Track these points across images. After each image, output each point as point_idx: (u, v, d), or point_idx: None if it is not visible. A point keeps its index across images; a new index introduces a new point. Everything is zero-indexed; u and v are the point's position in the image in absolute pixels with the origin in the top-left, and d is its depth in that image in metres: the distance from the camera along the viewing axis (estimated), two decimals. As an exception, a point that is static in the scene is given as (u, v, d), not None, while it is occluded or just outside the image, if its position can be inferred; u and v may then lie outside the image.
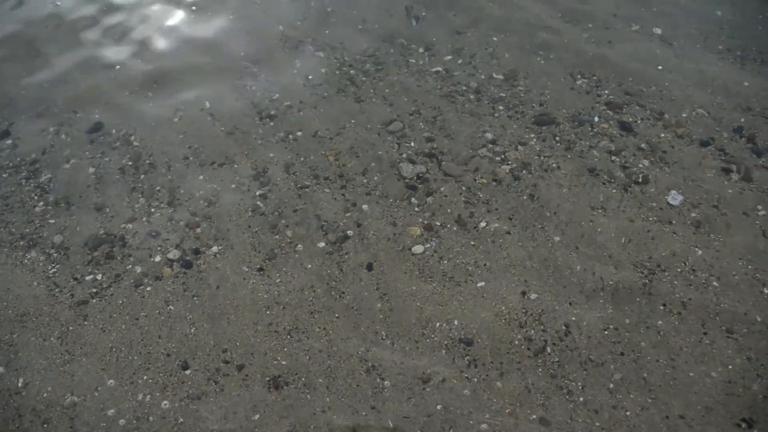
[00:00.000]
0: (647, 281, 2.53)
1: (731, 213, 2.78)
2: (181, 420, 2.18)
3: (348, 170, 3.07)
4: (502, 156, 3.09)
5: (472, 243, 2.71)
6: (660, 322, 2.39)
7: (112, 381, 2.29)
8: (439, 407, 2.18)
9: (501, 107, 3.39)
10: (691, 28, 3.95)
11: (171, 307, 2.53)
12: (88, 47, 3.96)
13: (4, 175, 3.12)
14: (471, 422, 2.13)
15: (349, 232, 2.78)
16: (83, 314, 2.51)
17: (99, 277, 2.64)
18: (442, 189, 2.95)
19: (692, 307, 2.43)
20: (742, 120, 3.23)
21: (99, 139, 3.30)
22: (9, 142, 3.30)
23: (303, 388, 2.25)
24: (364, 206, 2.88)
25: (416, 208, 2.87)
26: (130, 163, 3.16)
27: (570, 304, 2.47)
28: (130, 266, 2.68)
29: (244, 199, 2.95)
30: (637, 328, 2.38)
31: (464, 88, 3.54)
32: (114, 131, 3.35)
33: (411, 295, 2.53)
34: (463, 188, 2.95)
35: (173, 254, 2.71)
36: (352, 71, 3.70)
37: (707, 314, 2.41)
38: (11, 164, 3.17)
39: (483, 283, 2.56)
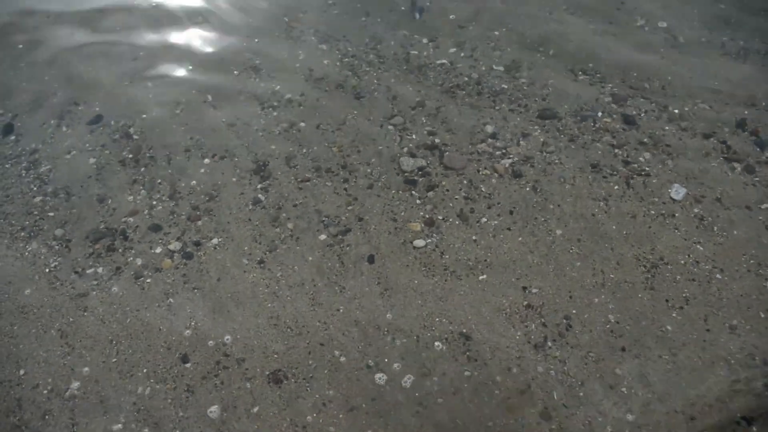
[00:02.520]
0: (649, 275, 2.52)
1: (734, 207, 2.76)
2: (182, 414, 2.18)
3: (351, 161, 3.05)
4: (504, 150, 3.08)
5: (474, 238, 2.70)
6: (662, 318, 2.38)
7: (112, 373, 2.29)
8: (440, 401, 2.18)
9: (503, 100, 3.37)
10: (695, 21, 3.92)
11: (171, 299, 2.52)
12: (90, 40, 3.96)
13: (7, 166, 3.12)
14: (471, 416, 2.13)
15: (350, 225, 2.77)
16: (83, 306, 2.51)
17: (100, 270, 2.64)
18: (443, 183, 2.94)
19: (695, 303, 2.42)
20: (746, 113, 3.20)
21: (99, 130, 3.29)
22: (12, 137, 3.29)
23: (303, 382, 2.25)
24: (366, 200, 2.87)
25: (417, 201, 2.86)
26: (130, 155, 3.15)
27: (571, 298, 2.46)
28: (131, 258, 2.68)
29: (245, 192, 2.94)
30: (639, 322, 2.37)
31: (466, 79, 3.52)
32: (113, 122, 3.34)
33: (412, 289, 2.52)
34: (465, 182, 2.93)
35: (174, 246, 2.71)
36: (355, 62, 3.68)
37: (710, 310, 2.40)
38: (12, 154, 3.17)
39: (484, 277, 2.55)
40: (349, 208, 2.85)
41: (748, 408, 2.11)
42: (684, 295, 2.45)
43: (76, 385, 2.26)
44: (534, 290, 2.50)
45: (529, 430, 2.10)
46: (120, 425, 2.15)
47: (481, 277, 2.55)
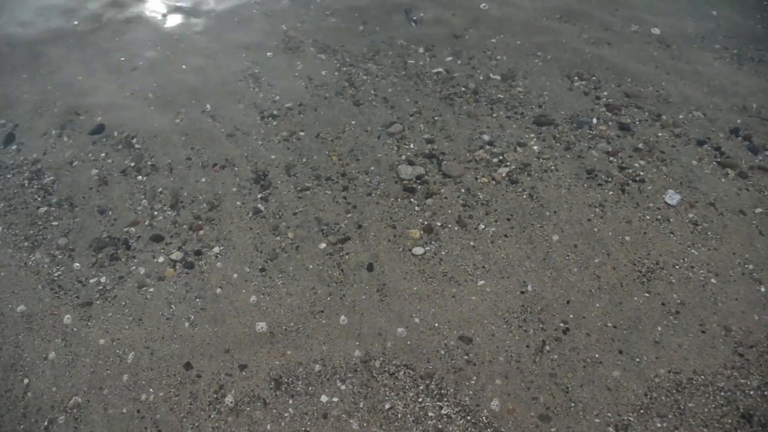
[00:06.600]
0: (645, 280, 2.56)
1: (728, 212, 2.80)
2: (185, 421, 2.20)
3: (350, 169, 3.09)
4: (501, 157, 3.12)
5: (472, 244, 2.74)
6: (658, 320, 2.42)
7: (115, 382, 2.32)
8: (439, 404, 2.20)
9: (500, 108, 3.42)
10: (688, 28, 3.98)
11: (173, 307, 2.55)
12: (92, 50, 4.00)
13: (9, 176, 3.15)
14: (471, 419, 2.16)
15: (349, 234, 2.80)
16: (87, 316, 2.54)
17: (103, 279, 2.67)
18: (441, 190, 2.97)
19: (690, 306, 2.46)
20: (739, 120, 3.25)
21: (101, 140, 3.33)
22: (14, 147, 3.32)
23: (306, 388, 2.28)
24: (365, 208, 2.91)
25: (416, 208, 2.90)
26: (132, 164, 3.18)
27: (568, 302, 2.50)
28: (134, 267, 2.71)
29: (245, 201, 2.97)
30: (636, 325, 2.41)
31: (463, 88, 3.56)
32: (116, 133, 3.37)
33: (411, 295, 2.55)
34: (463, 189, 2.97)
35: (176, 255, 2.74)
36: (353, 71, 3.72)
37: (705, 312, 2.43)
38: (14, 164, 3.21)
39: (483, 282, 2.58)
40: (348, 216, 2.89)
41: (746, 407, 2.14)
42: (679, 299, 2.49)
43: (79, 393, 2.29)
44: (532, 295, 2.53)
45: (528, 433, 2.13)
46: (124, 433, 2.18)
47: (479, 283, 2.58)
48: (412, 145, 3.22)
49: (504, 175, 3.03)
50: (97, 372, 2.35)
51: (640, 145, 3.15)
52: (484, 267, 2.64)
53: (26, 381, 2.33)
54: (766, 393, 2.18)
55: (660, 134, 3.21)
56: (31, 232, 2.88)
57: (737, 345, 2.33)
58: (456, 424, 2.15)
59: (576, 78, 3.61)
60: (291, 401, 2.24)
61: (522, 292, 2.54)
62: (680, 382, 2.23)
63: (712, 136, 3.18)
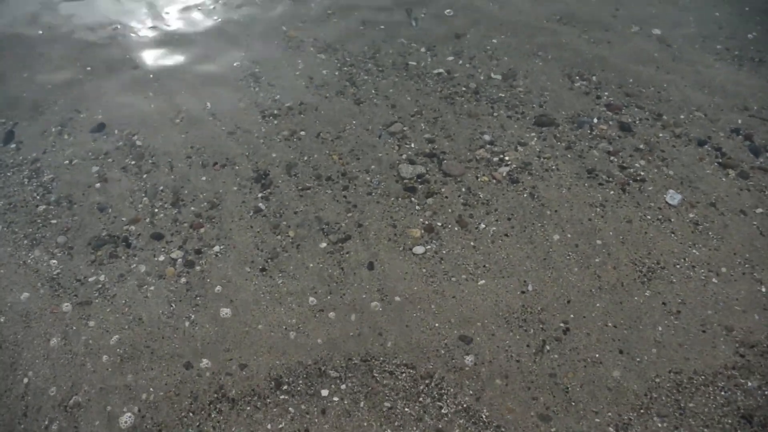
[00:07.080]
0: (646, 279, 2.56)
1: (729, 212, 2.80)
2: (186, 420, 2.20)
3: (351, 168, 3.09)
4: (502, 156, 3.12)
5: (473, 243, 2.74)
6: (659, 320, 2.42)
7: (116, 381, 2.31)
8: (439, 404, 2.20)
9: (501, 107, 3.42)
10: (689, 29, 3.98)
11: (174, 306, 2.55)
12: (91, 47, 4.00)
13: (9, 174, 3.14)
14: (471, 419, 2.16)
15: (349, 233, 2.80)
16: (87, 314, 2.53)
17: (102, 277, 2.66)
18: (442, 190, 2.97)
19: (691, 305, 2.46)
20: (740, 120, 3.25)
21: (102, 138, 3.32)
22: (13, 145, 3.32)
23: (306, 387, 2.27)
24: (365, 207, 2.91)
25: (417, 207, 2.90)
26: (132, 162, 3.18)
27: (568, 302, 2.50)
28: (134, 266, 2.70)
29: (246, 200, 2.97)
30: (636, 325, 2.41)
31: (464, 88, 3.56)
32: (117, 131, 3.37)
33: (412, 294, 2.55)
34: (463, 189, 2.97)
35: (176, 254, 2.73)
36: (353, 70, 3.72)
37: (706, 312, 2.43)
38: (14, 162, 3.20)
39: (483, 282, 2.58)
40: (349, 215, 2.88)
41: (747, 407, 2.14)
42: (680, 298, 2.48)
43: (80, 393, 2.28)
44: (532, 295, 2.53)
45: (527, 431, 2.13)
46: None
47: (480, 283, 2.58)
48: (412, 144, 3.22)
49: (505, 174, 3.03)
50: (98, 371, 2.34)
51: (641, 145, 3.15)
52: (484, 266, 2.64)
53: (26, 380, 2.32)
54: (766, 393, 2.18)
55: (661, 134, 3.21)
56: (31, 230, 2.87)
57: (738, 345, 2.33)
58: (456, 423, 2.15)
59: (577, 78, 3.61)
60: (291, 400, 2.24)
61: (522, 292, 2.54)
62: (681, 382, 2.23)
63: (712, 136, 3.18)
